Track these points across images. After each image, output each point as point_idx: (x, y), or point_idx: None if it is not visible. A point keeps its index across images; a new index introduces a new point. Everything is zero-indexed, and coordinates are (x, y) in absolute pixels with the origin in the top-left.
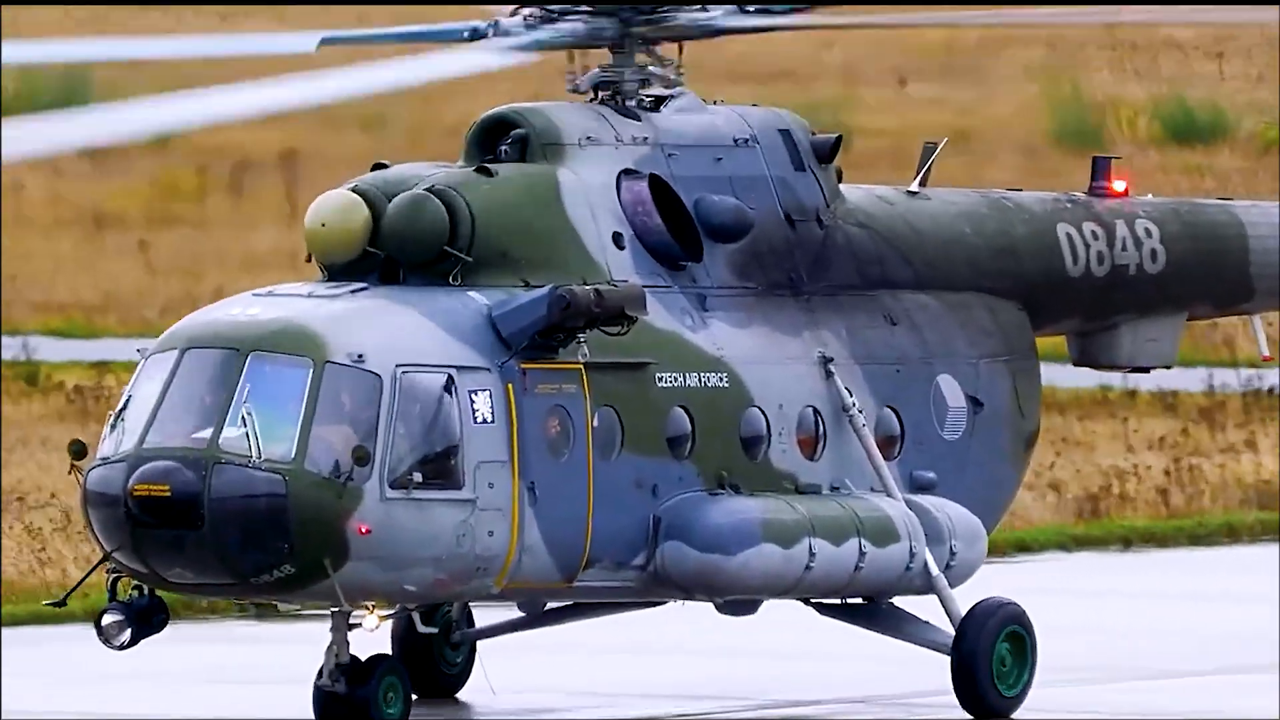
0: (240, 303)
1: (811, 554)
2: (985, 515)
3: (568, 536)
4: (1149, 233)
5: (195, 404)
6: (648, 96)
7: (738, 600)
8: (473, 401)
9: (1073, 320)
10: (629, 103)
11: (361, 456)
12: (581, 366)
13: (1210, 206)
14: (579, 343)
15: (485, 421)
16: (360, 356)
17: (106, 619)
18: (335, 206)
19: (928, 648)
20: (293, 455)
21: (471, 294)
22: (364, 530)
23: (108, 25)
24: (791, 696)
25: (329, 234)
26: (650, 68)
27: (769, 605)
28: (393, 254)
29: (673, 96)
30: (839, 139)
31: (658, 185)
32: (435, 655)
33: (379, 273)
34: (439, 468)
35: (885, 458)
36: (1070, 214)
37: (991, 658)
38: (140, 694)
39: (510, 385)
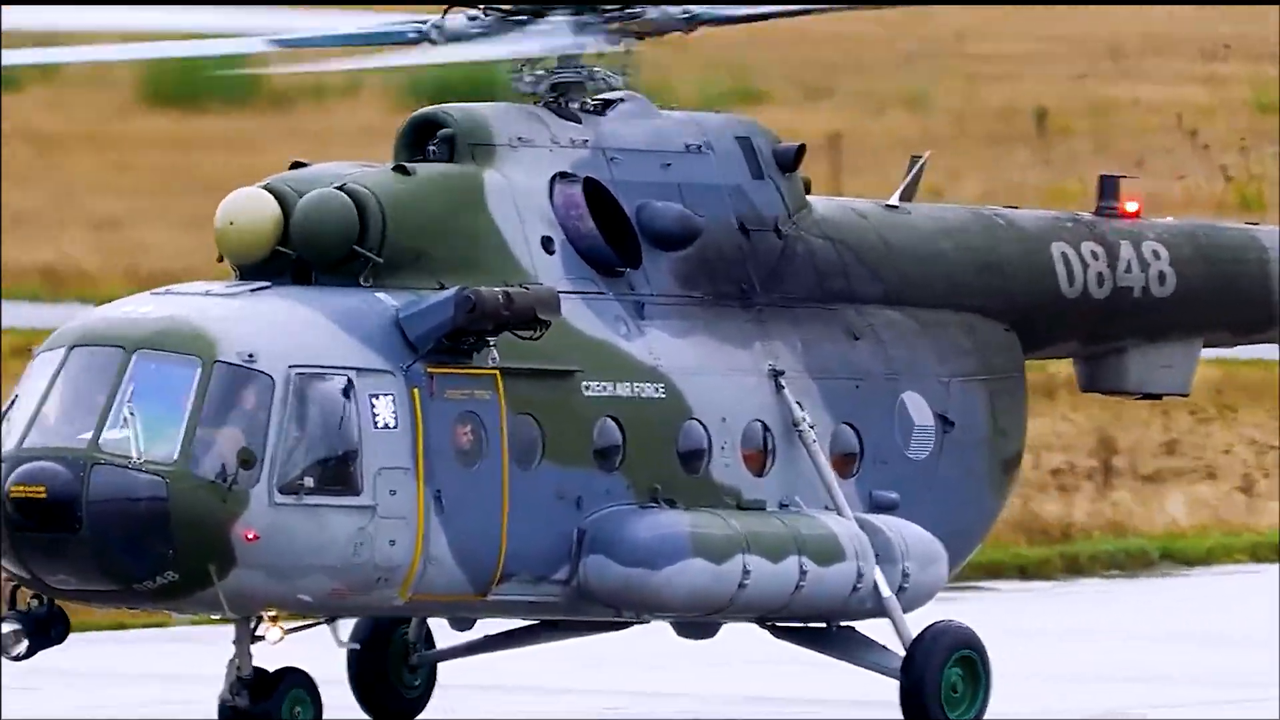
0: (135, 301)
1: (746, 571)
2: (956, 538)
3: (478, 548)
4: (1157, 255)
5: (79, 403)
6: (595, 100)
7: (694, 623)
8: (373, 406)
9: (1072, 343)
10: (572, 104)
11: (247, 459)
12: (497, 372)
13: (1231, 230)
14: (489, 346)
15: (387, 426)
16: (251, 356)
17: (4, 628)
18: (244, 204)
19: (877, 672)
20: (176, 457)
21: (380, 295)
22: (251, 536)
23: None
24: None
25: (237, 232)
26: (598, 69)
27: (729, 627)
28: (301, 253)
29: (621, 100)
30: (801, 147)
31: (593, 189)
32: (392, 679)
33: (291, 273)
34: (334, 473)
35: (843, 475)
36: (1069, 233)
37: (940, 683)
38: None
39: (416, 390)
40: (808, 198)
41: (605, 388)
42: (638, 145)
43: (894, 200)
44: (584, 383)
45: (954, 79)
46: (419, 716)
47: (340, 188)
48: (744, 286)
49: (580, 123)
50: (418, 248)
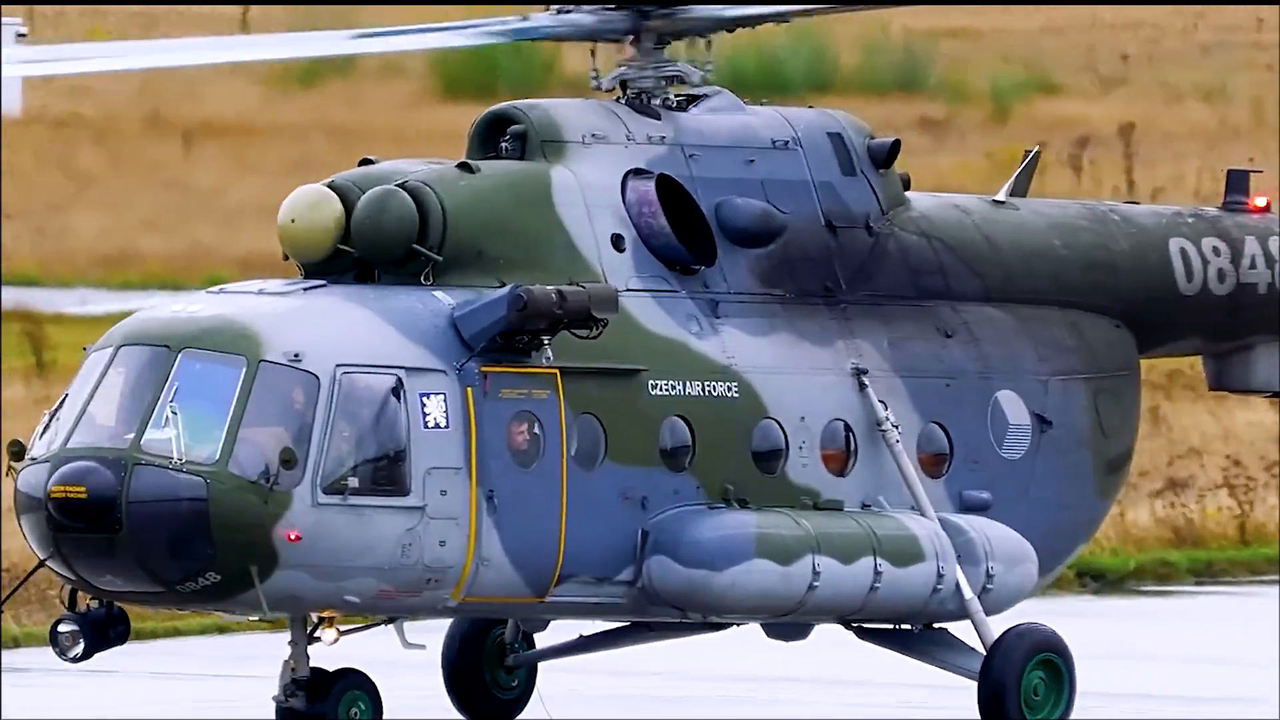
0: (188, 299)
1: (816, 572)
2: (1054, 538)
3: (535, 549)
4: None
5: (124, 403)
6: (680, 95)
7: (782, 625)
8: (424, 405)
9: (1193, 340)
10: (653, 101)
11: (288, 459)
12: (557, 372)
13: None
14: (543, 345)
15: (438, 426)
16: (297, 356)
17: (62, 629)
18: (306, 202)
19: (957, 674)
20: (216, 457)
21: (437, 294)
22: (293, 537)
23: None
24: None
25: (299, 230)
26: (678, 64)
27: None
28: (361, 252)
29: (706, 96)
30: (896, 143)
31: (667, 186)
32: (487, 679)
33: (354, 271)
34: (382, 473)
35: (931, 475)
36: (1190, 229)
37: (1019, 686)
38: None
39: (469, 389)
40: (907, 194)
41: (674, 387)
42: (720, 141)
43: (1001, 195)
44: (651, 382)
45: (1253, 68)
46: (518, 717)
47: (401, 186)
48: (829, 284)
49: (659, 119)
50: (479, 246)
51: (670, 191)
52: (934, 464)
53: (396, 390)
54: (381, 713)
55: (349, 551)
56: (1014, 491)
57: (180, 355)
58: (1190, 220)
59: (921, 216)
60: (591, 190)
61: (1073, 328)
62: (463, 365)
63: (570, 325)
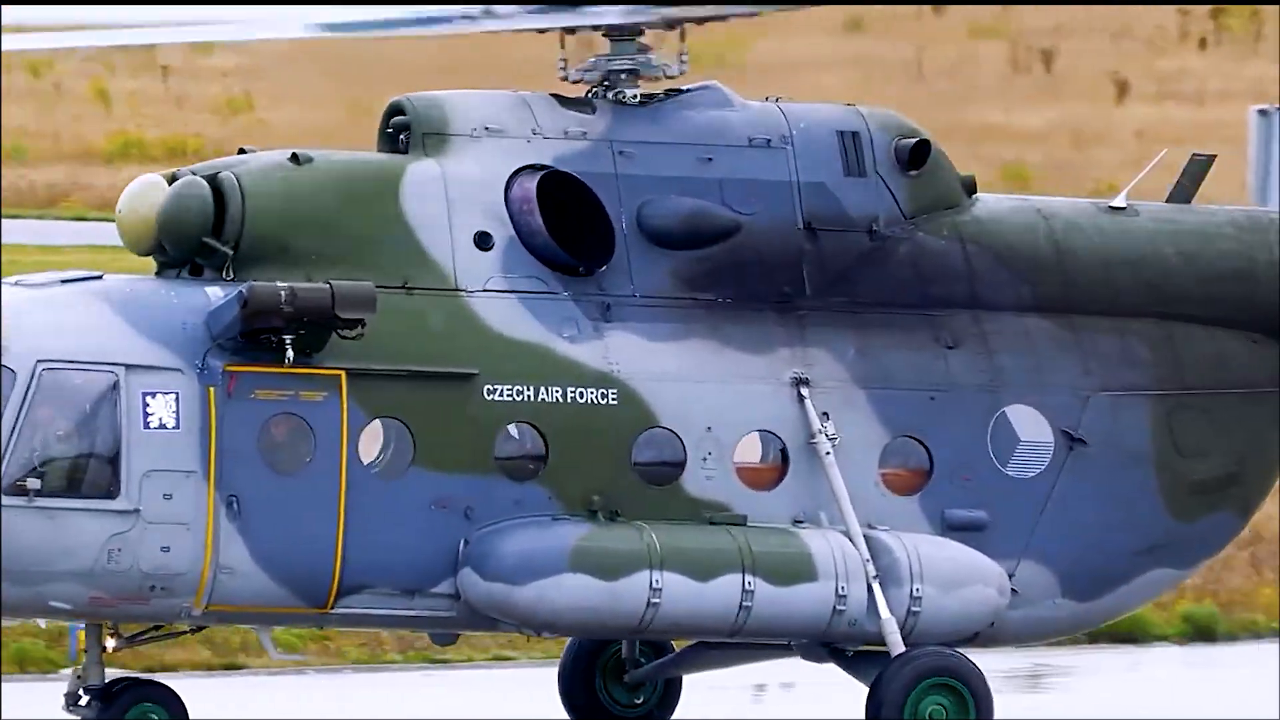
0: None
1: (654, 588)
2: (1097, 561)
3: (299, 557)
4: None
5: None
6: (666, 91)
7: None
8: (146, 404)
9: None
10: (610, 93)
11: None
12: (341, 373)
13: None
14: (284, 345)
15: (162, 426)
16: None
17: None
18: (131, 192)
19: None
20: None
21: (209, 290)
22: None
23: None
24: None
25: (123, 220)
26: (648, 56)
27: None
28: (164, 243)
29: (690, 90)
30: (920, 144)
31: (561, 183)
32: (604, 698)
33: (189, 265)
34: (83, 475)
35: (902, 492)
36: None
37: (903, 707)
38: None
39: (211, 389)
40: (979, 196)
41: (519, 392)
42: (670, 138)
43: (1120, 200)
44: (486, 386)
45: None
46: None
47: (210, 176)
48: (787, 289)
49: (591, 112)
50: (284, 241)
51: (565, 189)
52: (908, 480)
53: (113, 388)
54: None
55: (42, 555)
56: (1022, 511)
57: None
58: None
59: (974, 221)
60: (461, 185)
61: (1162, 341)
62: (203, 364)
63: (313, 324)
